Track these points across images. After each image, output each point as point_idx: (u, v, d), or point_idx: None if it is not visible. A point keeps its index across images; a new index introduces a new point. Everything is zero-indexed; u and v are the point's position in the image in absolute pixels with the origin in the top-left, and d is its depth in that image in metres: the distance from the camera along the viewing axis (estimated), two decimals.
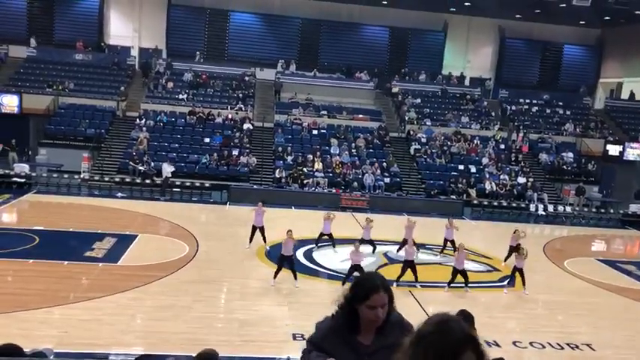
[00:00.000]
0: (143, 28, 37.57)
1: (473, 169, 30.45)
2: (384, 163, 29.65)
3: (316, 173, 28.05)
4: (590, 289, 16.72)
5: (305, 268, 15.99)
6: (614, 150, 33.52)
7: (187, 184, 26.17)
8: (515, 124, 35.56)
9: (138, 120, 30.19)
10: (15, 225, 19.30)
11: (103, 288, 13.10)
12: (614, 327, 13.55)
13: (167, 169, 25.81)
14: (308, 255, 17.51)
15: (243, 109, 32.47)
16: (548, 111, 37.53)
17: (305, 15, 38.05)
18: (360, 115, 33.66)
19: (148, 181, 25.88)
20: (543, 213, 27.93)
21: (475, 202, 28.16)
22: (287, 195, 26.03)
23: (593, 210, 29.02)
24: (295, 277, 14.22)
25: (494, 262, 18.46)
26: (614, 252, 23.69)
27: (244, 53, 37.80)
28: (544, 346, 11.85)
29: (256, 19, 38.37)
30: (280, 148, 29.53)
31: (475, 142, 32.62)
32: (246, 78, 35.26)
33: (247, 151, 29.12)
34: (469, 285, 15.14)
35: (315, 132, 31.82)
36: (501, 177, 29.94)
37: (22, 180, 24.60)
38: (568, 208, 28.47)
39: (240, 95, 33.56)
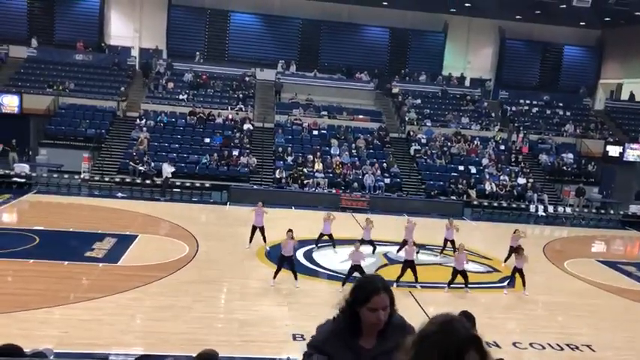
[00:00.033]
0: (143, 28, 37.59)
1: (473, 170, 30.45)
2: (384, 164, 29.65)
3: (316, 174, 28.05)
4: (590, 290, 16.72)
5: (305, 269, 15.99)
6: (614, 151, 33.52)
7: (187, 184, 26.17)
8: (516, 124, 35.56)
9: (138, 120, 30.19)
10: (15, 225, 19.30)
11: (103, 288, 13.10)
12: (614, 328, 13.55)
13: (167, 169, 25.82)
14: (308, 255, 17.51)
15: (244, 109, 32.48)
16: (548, 112, 37.54)
17: (305, 15, 38.06)
18: (361, 116, 33.67)
19: (148, 182, 25.88)
20: (543, 214, 27.94)
21: (475, 202, 28.17)
22: (287, 195, 26.04)
23: (593, 211, 29.03)
24: (296, 278, 14.22)
25: (494, 263, 18.46)
26: (614, 253, 23.69)
27: (245, 54, 37.82)
28: (544, 347, 11.84)
29: (256, 20, 38.39)
30: (280, 149, 29.54)
31: (475, 142, 32.63)
32: (247, 78, 35.27)
33: (247, 151, 29.12)
34: (469, 286, 15.14)
35: (315, 132, 31.83)
36: (501, 178, 29.94)
37: (23, 180, 24.60)
38: (568, 209, 28.48)
39: (241, 96, 33.57)
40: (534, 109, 37.50)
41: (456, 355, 2.01)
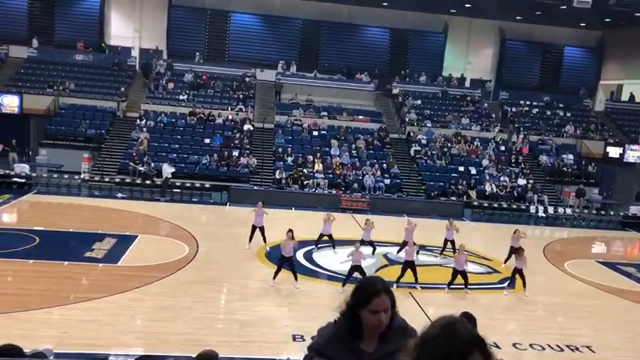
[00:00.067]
0: (144, 28, 37.60)
1: (473, 171, 30.44)
2: (385, 165, 29.65)
3: (316, 174, 28.05)
4: (590, 291, 16.71)
5: (305, 269, 15.98)
6: (614, 152, 33.52)
7: (187, 184, 26.17)
8: (516, 125, 35.57)
9: (138, 120, 30.20)
10: (15, 225, 19.30)
11: (103, 288, 13.10)
12: (614, 329, 13.55)
13: (167, 169, 25.81)
14: (308, 256, 17.51)
15: (244, 109, 32.48)
16: (548, 113, 37.55)
17: (305, 16, 38.07)
18: (361, 117, 33.66)
19: (148, 182, 25.88)
20: (543, 215, 27.94)
21: (475, 203, 28.17)
22: (287, 196, 26.04)
23: (594, 212, 29.04)
24: (296, 279, 14.21)
25: (494, 264, 18.46)
26: (614, 254, 23.69)
27: (245, 54, 37.83)
28: (544, 348, 11.84)
29: (257, 20, 38.39)
30: (280, 149, 29.54)
31: (475, 143, 32.63)
32: (247, 79, 35.27)
33: (247, 152, 29.12)
34: (469, 286, 15.13)
35: (315, 133, 31.84)
36: (501, 179, 29.94)
37: (23, 180, 24.60)
38: (568, 210, 28.48)
39: (241, 96, 33.57)
40: (534, 110, 37.51)
41: (459, 357, 1.99)
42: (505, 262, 18.03)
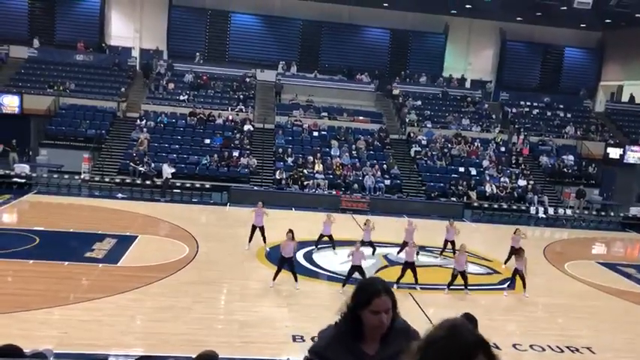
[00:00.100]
0: (144, 29, 37.60)
1: (473, 172, 30.44)
2: (385, 165, 29.65)
3: (316, 175, 28.05)
4: (590, 292, 16.71)
5: (305, 270, 15.97)
6: (614, 153, 33.52)
7: (187, 185, 26.17)
8: (516, 126, 35.58)
9: (138, 121, 30.21)
10: (15, 225, 19.30)
11: (103, 289, 13.10)
12: (614, 330, 13.54)
13: (167, 170, 25.80)
14: (308, 257, 17.50)
15: (244, 110, 32.48)
16: (548, 114, 37.56)
17: (306, 16, 38.07)
18: (361, 117, 33.66)
19: (148, 182, 25.89)
20: (544, 216, 27.93)
21: (475, 204, 28.17)
22: (287, 196, 26.04)
23: (594, 213, 29.04)
24: (296, 279, 14.19)
25: (494, 265, 18.45)
26: (614, 255, 23.69)
27: (245, 54, 37.83)
28: (544, 349, 11.83)
29: (257, 21, 38.40)
30: (281, 150, 29.53)
31: (476, 144, 32.63)
32: (247, 79, 35.28)
33: (248, 152, 29.12)
34: (469, 287, 15.12)
35: (315, 133, 31.84)
36: (502, 179, 29.94)
37: (23, 180, 24.60)
38: (568, 211, 28.48)
39: (241, 96, 33.58)
40: (535, 111, 37.51)
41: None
42: (505, 262, 18.03)
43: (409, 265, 14.88)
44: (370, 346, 2.94)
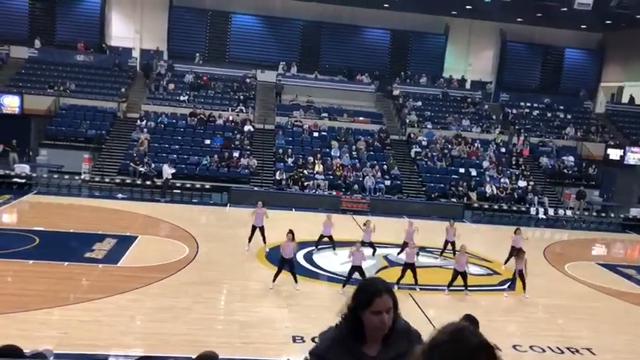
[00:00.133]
0: (144, 29, 37.61)
1: (473, 173, 30.44)
2: (385, 166, 29.65)
3: (317, 175, 28.04)
4: (590, 293, 16.70)
5: (305, 271, 15.97)
6: (614, 154, 33.53)
7: (188, 185, 26.17)
8: (516, 127, 35.58)
9: (139, 121, 30.22)
10: (15, 225, 19.30)
11: (103, 289, 13.09)
12: (614, 331, 13.53)
13: (167, 170, 25.79)
14: (308, 257, 17.49)
15: (244, 110, 32.48)
16: (549, 114, 37.57)
17: (306, 17, 38.08)
18: (361, 118, 33.67)
19: (148, 183, 25.89)
20: (544, 217, 27.92)
21: (475, 205, 28.16)
22: (287, 197, 26.04)
23: (594, 214, 29.03)
24: (295, 280, 14.17)
25: (494, 266, 18.45)
26: (614, 256, 23.68)
27: (245, 55, 37.83)
28: (544, 350, 11.82)
29: (257, 21, 38.41)
30: (281, 150, 29.53)
31: (476, 145, 32.63)
32: (247, 80, 35.29)
33: (248, 153, 29.12)
34: (469, 288, 15.11)
35: (315, 134, 31.83)
36: (502, 180, 29.94)
37: (23, 180, 24.60)
38: (568, 212, 28.47)
39: (241, 97, 33.58)
40: (535, 112, 37.52)
41: None
42: (505, 262, 18.02)
43: (409, 266, 14.87)
44: (371, 348, 2.91)
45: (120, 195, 24.95)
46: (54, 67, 33.14)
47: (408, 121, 33.84)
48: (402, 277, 14.68)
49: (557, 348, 11.99)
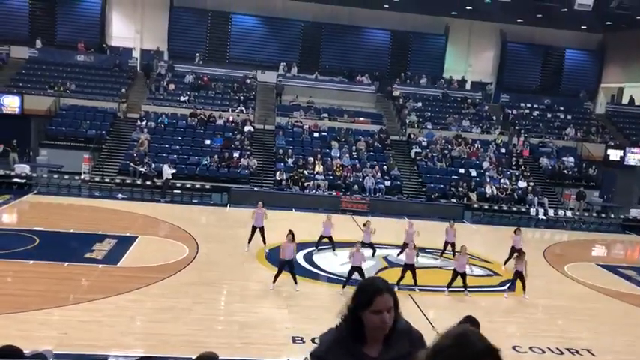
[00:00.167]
0: (145, 29, 37.63)
1: (473, 173, 30.44)
2: (385, 167, 29.65)
3: (317, 176, 28.05)
4: (590, 294, 16.71)
5: (305, 271, 15.96)
6: (614, 155, 33.53)
7: (188, 186, 26.16)
8: (516, 128, 35.59)
9: (139, 121, 30.23)
10: (15, 226, 19.30)
11: (102, 289, 13.09)
12: (614, 332, 13.54)
13: (168, 171, 25.79)
14: (308, 258, 17.49)
15: (244, 111, 32.49)
16: (549, 115, 37.57)
17: (306, 18, 38.08)
18: (361, 118, 33.67)
19: (148, 183, 25.89)
20: (544, 217, 27.92)
21: (475, 206, 28.15)
22: (287, 197, 26.04)
23: (594, 215, 29.02)
24: (295, 282, 14.16)
25: (494, 267, 18.45)
26: (614, 257, 23.68)
27: (246, 55, 37.85)
28: (544, 351, 11.82)
29: (258, 22, 38.42)
30: (281, 151, 29.53)
31: (476, 146, 32.63)
32: (248, 80, 35.30)
33: (248, 153, 29.12)
34: (469, 289, 15.12)
35: (315, 135, 31.83)
36: (502, 181, 29.94)
37: (23, 181, 24.60)
38: (568, 213, 28.46)
39: (242, 97, 33.59)
40: (535, 113, 37.53)
41: None
42: (505, 263, 18.02)
43: (409, 267, 14.87)
44: (373, 349, 2.89)
45: (120, 195, 24.96)
46: (54, 67, 33.15)
47: (408, 121, 33.85)
48: (402, 277, 14.67)
49: (557, 349, 11.99)
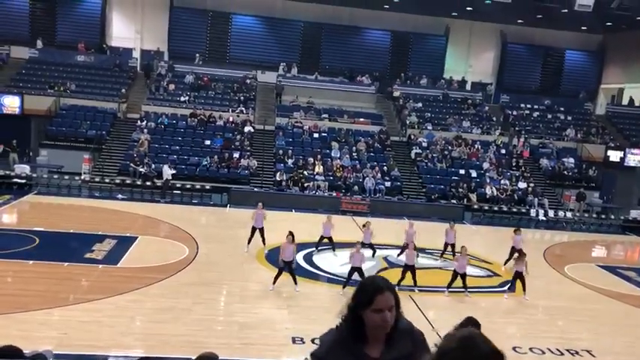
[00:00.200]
0: (145, 30, 37.63)
1: (474, 174, 30.43)
2: (385, 167, 29.65)
3: (317, 176, 28.04)
4: (590, 295, 16.70)
5: (305, 272, 15.94)
6: (614, 156, 33.52)
7: (188, 186, 26.15)
8: (517, 129, 35.58)
9: (139, 122, 30.22)
10: (15, 226, 19.29)
11: (102, 290, 13.09)
12: (614, 333, 13.53)
13: (168, 171, 25.78)
14: (308, 258, 17.48)
15: (245, 111, 32.48)
16: (549, 116, 37.58)
17: (307, 18, 38.08)
18: (361, 119, 33.67)
19: (148, 183, 25.88)
20: (544, 218, 27.91)
21: (476, 206, 28.13)
22: (287, 198, 26.02)
23: (594, 216, 29.01)
24: (295, 283, 14.14)
25: (494, 267, 18.44)
26: (614, 258, 23.66)
27: (246, 56, 37.85)
28: (544, 352, 11.81)
29: (258, 22, 38.42)
30: (281, 151, 29.53)
31: (476, 146, 32.64)
32: (248, 81, 35.29)
33: (248, 153, 29.12)
34: (469, 290, 15.11)
35: (316, 135, 31.82)
36: (502, 182, 29.93)
37: (23, 181, 24.60)
38: (569, 214, 28.45)
39: (242, 98, 33.59)
40: (535, 114, 37.52)
41: None
42: (505, 263, 18.01)
43: (409, 268, 14.86)
44: (374, 349, 2.86)
45: (120, 195, 24.96)
46: (54, 67, 33.15)
47: (408, 122, 33.85)
48: (402, 278, 14.65)
49: (557, 350, 11.98)
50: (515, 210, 28.23)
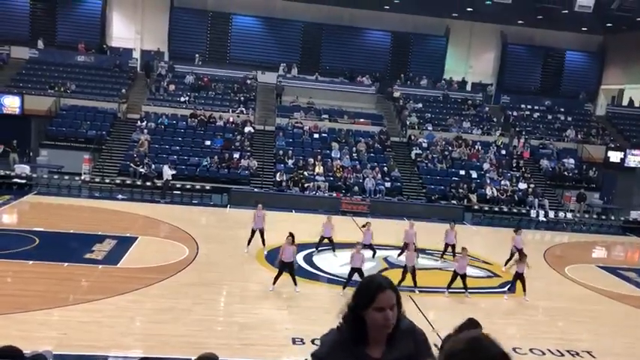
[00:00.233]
0: (145, 30, 37.64)
1: (474, 175, 30.42)
2: (385, 168, 29.64)
3: (317, 177, 28.03)
4: (590, 296, 16.69)
5: (305, 273, 15.92)
6: (615, 156, 33.51)
7: (188, 186, 26.14)
8: (517, 129, 35.58)
9: (139, 122, 30.22)
10: (15, 226, 19.28)
11: (102, 290, 13.08)
12: (614, 334, 13.52)
13: (168, 171, 25.76)
14: (308, 259, 17.47)
15: (245, 112, 32.48)
16: (549, 117, 37.57)
17: (307, 19, 38.09)
18: (362, 120, 33.67)
19: (148, 184, 25.87)
20: (544, 219, 27.90)
21: (476, 207, 28.12)
22: (287, 198, 26.01)
23: (594, 216, 28.99)
24: (295, 284, 14.13)
25: (494, 268, 18.43)
26: (614, 259, 23.65)
27: (246, 56, 37.87)
28: (544, 353, 11.80)
29: (258, 23, 38.43)
30: (281, 152, 29.52)
31: (476, 147, 32.63)
32: (248, 81, 35.29)
33: (248, 154, 29.11)
34: (469, 290, 15.09)
35: (316, 136, 31.82)
36: (502, 182, 29.91)
37: (23, 181, 24.59)
38: (569, 215, 28.44)
39: (242, 98, 33.59)
40: (535, 114, 37.52)
41: None
42: (505, 264, 18.00)
43: (409, 269, 14.85)
44: (375, 349, 2.82)
45: (120, 196, 24.95)
46: (54, 67, 33.16)
47: (408, 122, 33.84)
48: (402, 279, 14.63)
49: (557, 351, 11.97)
50: (515, 211, 28.21)
